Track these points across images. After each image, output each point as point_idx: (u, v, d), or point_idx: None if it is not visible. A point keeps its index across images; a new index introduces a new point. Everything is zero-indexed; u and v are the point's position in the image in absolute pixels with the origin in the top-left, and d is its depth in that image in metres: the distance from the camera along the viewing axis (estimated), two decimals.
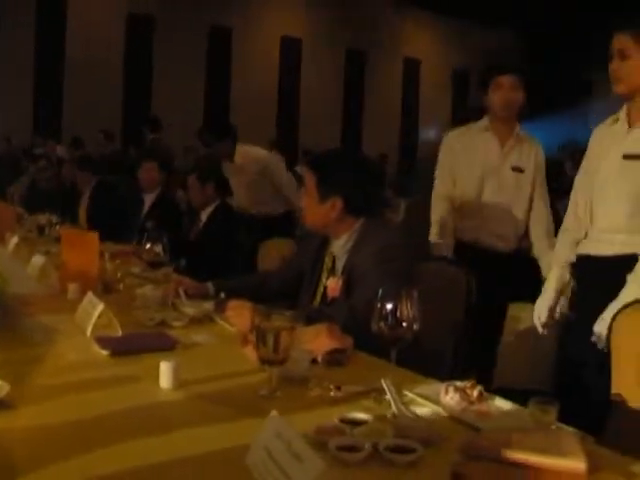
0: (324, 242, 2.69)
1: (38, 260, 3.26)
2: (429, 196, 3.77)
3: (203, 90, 14.21)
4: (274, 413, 1.32)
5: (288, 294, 2.79)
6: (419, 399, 1.73)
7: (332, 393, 1.72)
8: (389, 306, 1.69)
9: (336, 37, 15.53)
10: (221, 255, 4.33)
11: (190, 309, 2.52)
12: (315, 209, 2.58)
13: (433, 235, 3.64)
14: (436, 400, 1.72)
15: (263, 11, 14.78)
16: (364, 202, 2.58)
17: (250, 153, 5.58)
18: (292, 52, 15.27)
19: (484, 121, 3.70)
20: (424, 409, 1.61)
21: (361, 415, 1.55)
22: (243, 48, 14.52)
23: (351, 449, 1.38)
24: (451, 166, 3.70)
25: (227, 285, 2.75)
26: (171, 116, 12.06)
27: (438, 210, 3.67)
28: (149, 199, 5.37)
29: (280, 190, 5.65)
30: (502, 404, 1.74)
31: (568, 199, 2.96)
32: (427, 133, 17.39)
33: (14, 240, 4.07)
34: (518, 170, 3.65)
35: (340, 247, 2.60)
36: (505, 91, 3.59)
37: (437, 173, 3.76)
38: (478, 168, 3.63)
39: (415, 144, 17.24)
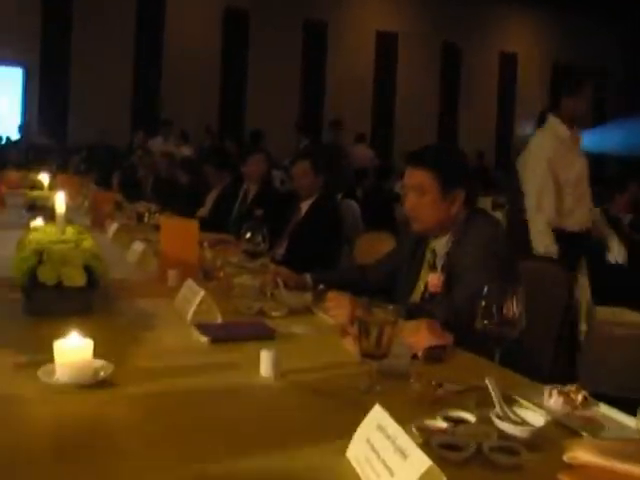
0: (421, 237, 2.64)
1: (138, 246, 3.35)
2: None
3: (299, 84, 14.30)
4: (378, 407, 1.31)
5: (384, 289, 2.76)
6: (522, 401, 1.68)
7: (434, 390, 1.69)
8: (495, 304, 1.63)
9: (432, 31, 15.35)
10: (320, 248, 4.24)
11: (289, 300, 2.53)
12: (435, 207, 2.48)
13: None
14: (539, 403, 1.67)
15: (358, 5, 14.76)
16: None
17: None
18: (388, 46, 15.18)
19: None
20: (528, 412, 1.56)
21: (464, 414, 1.52)
22: (338, 42, 14.54)
23: (454, 448, 1.36)
24: None
25: (325, 277, 2.74)
26: (267, 109, 12.24)
27: None
28: (253, 190, 5.43)
29: None
30: (608, 411, 1.67)
31: None
32: (524, 129, 16.95)
33: (114, 227, 4.19)
34: None
35: (442, 242, 2.54)
36: None
37: None
38: None
39: (510, 140, 16.86)
